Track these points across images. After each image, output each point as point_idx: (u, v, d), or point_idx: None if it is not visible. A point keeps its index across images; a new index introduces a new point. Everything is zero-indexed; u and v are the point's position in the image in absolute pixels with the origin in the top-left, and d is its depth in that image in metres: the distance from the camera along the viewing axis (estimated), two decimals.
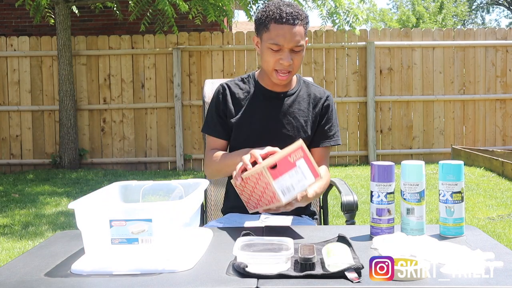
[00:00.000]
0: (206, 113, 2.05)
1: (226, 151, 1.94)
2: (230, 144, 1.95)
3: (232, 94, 1.92)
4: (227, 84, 1.94)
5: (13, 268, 1.28)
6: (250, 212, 1.66)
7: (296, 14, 1.77)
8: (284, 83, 1.87)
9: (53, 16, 7.35)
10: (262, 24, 1.81)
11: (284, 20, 1.75)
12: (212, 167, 1.89)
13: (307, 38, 1.86)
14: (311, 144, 1.92)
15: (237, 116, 1.90)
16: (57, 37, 7.08)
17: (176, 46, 7.46)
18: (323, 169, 1.86)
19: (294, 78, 1.96)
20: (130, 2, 7.09)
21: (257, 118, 1.89)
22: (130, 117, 7.52)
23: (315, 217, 2.02)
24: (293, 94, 1.92)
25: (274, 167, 1.41)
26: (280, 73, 1.81)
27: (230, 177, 2.00)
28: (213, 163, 1.88)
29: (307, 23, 1.81)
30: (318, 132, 1.92)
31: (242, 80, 1.96)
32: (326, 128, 1.92)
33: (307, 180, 1.43)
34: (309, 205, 2.01)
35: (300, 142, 1.46)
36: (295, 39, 1.76)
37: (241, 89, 1.93)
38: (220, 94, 1.92)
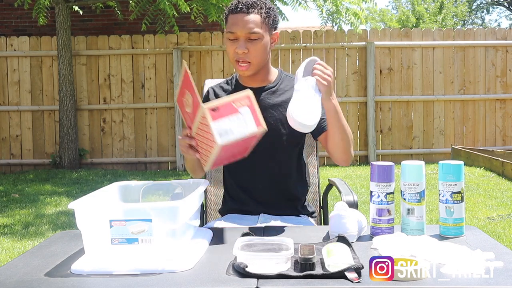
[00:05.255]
0: None
1: None
2: None
3: (216, 96, 1.96)
4: (212, 88, 2.00)
5: (13, 268, 1.28)
6: (205, 169, 1.59)
7: (252, 3, 1.79)
8: (246, 74, 1.85)
9: (47, 17, 7.31)
10: (225, 19, 1.86)
11: (238, 9, 1.78)
12: (186, 165, 1.97)
13: (276, 31, 1.86)
14: (314, 135, 1.88)
15: None
16: (57, 37, 7.07)
17: (176, 46, 7.46)
18: None
19: (275, 72, 1.96)
20: (130, 1, 7.08)
21: None
22: (130, 117, 7.52)
23: (314, 215, 2.02)
24: (272, 87, 1.93)
25: (216, 110, 1.38)
26: (239, 64, 1.81)
27: (227, 181, 2.02)
28: (185, 161, 1.96)
29: (266, 12, 1.80)
30: None
31: (226, 82, 2.02)
32: None
33: (248, 127, 1.40)
34: (308, 204, 2.01)
35: (248, 92, 1.43)
36: (247, 26, 1.77)
37: (224, 90, 1.97)
38: (204, 98, 1.98)
